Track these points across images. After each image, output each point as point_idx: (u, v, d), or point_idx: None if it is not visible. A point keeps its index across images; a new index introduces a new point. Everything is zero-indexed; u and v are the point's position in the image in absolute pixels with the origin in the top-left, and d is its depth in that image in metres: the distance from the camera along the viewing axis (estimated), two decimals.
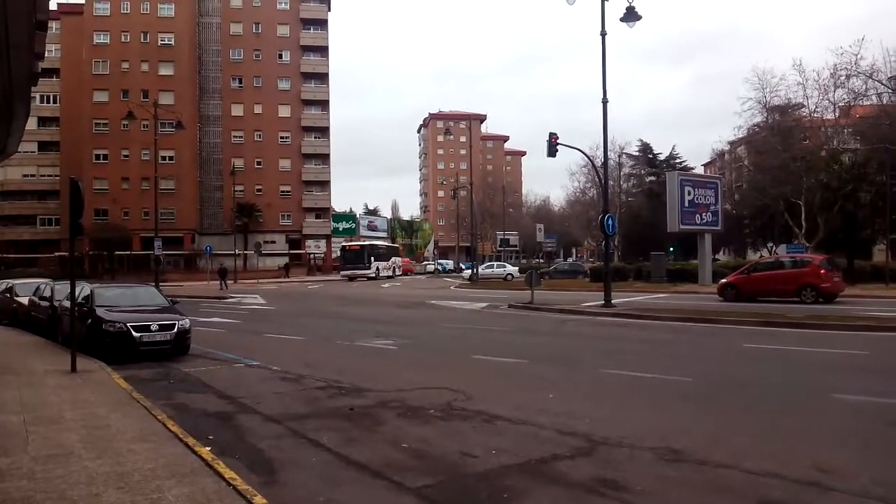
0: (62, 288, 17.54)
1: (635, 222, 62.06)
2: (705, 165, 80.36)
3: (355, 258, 62.33)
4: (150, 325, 14.11)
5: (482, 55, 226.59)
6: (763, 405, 8.82)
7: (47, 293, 19.20)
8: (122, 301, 15.55)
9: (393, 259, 71.37)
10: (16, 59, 7.84)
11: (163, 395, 10.21)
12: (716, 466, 6.16)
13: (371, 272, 61.06)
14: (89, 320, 14.32)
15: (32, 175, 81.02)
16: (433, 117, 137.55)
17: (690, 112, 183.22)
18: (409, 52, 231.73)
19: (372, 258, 62.39)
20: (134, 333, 13.83)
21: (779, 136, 43.54)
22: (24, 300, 21.09)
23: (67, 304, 14.65)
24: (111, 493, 5.50)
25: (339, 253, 67.61)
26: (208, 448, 6.92)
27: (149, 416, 8.45)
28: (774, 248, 51.51)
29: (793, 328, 16.85)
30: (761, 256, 48.79)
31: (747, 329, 17.06)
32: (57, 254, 72.09)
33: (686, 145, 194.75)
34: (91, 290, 15.60)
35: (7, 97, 9.43)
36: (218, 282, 49.60)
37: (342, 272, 62.93)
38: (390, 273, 67.11)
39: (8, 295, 22.95)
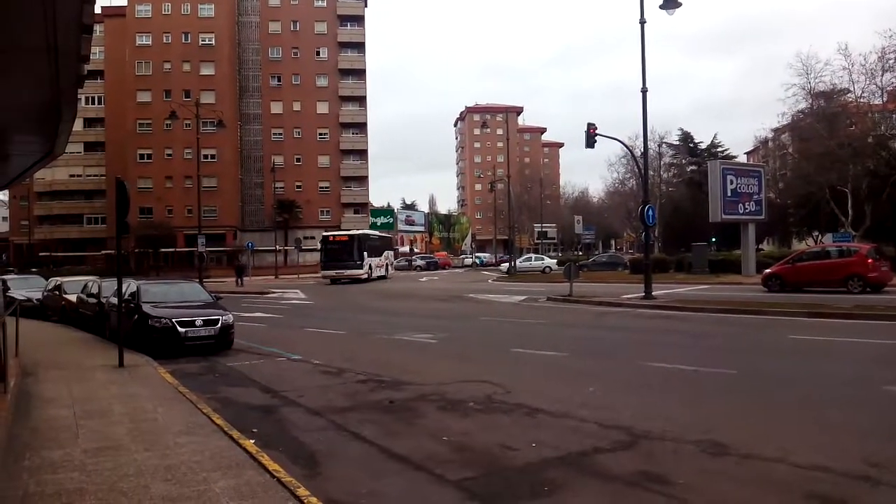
0: (109, 285, 17.95)
1: (676, 213, 61.13)
2: (748, 154, 78.65)
3: (340, 253, 46.82)
4: (194, 321, 14.38)
5: (526, 50, 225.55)
6: (810, 398, 8.64)
7: (95, 290, 19.65)
8: (168, 297, 15.88)
9: (386, 253, 56.33)
10: (63, 63, 8.03)
11: (208, 389, 10.43)
12: (762, 460, 6.06)
13: (362, 271, 46.34)
14: (136, 316, 14.65)
15: (79, 175, 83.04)
16: (469, 110, 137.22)
17: (739, 102, 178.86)
18: (448, 48, 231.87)
19: (364, 253, 47.31)
20: (179, 329, 14.12)
21: (824, 123, 42.46)
22: (73, 297, 21.59)
23: (114, 300, 15.00)
24: (159, 485, 5.65)
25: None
26: (252, 441, 7.05)
27: (195, 409, 8.63)
28: (820, 237, 50.29)
29: (840, 319, 16.46)
30: (807, 246, 47.66)
31: (793, 320, 16.71)
32: (104, 252, 73.84)
33: (733, 135, 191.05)
34: (137, 287, 15.95)
35: (55, 100, 9.66)
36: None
37: (323, 271, 48.07)
38: (383, 272, 52.51)
39: (57, 292, 23.52)
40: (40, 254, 77.21)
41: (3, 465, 6.12)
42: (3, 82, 8.54)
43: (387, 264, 54.69)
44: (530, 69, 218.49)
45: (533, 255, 65.58)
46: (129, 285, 15.98)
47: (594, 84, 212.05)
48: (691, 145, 68.50)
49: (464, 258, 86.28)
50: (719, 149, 66.75)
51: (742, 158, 70.74)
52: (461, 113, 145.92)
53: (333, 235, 49.50)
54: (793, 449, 6.30)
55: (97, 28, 73.72)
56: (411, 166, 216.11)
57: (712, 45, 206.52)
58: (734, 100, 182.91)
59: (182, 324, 14.20)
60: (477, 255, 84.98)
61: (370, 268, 47.82)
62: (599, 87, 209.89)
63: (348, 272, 45.89)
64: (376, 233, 60.00)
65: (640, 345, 14.00)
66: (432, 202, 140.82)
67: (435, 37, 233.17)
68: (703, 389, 9.39)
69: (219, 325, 14.49)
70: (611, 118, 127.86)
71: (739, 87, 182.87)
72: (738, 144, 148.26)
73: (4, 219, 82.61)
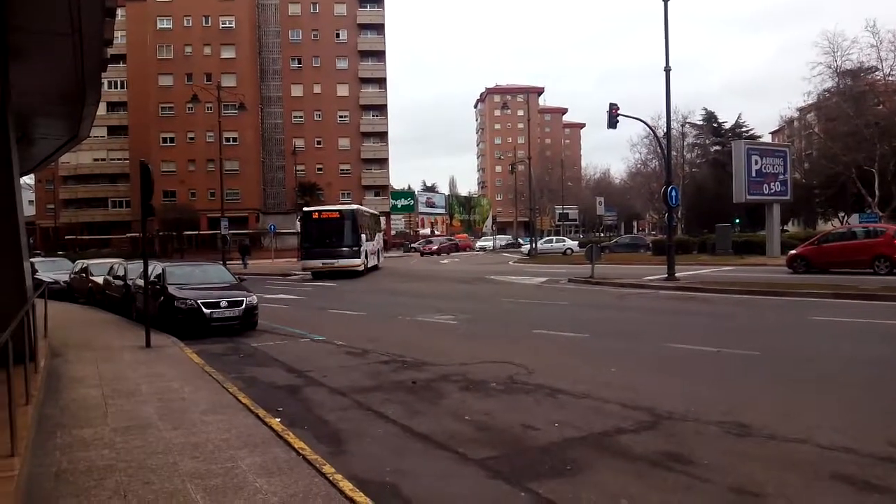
0: (135, 267, 18.22)
1: (699, 193, 60.47)
2: (773, 133, 77.51)
3: (328, 234, 33.60)
4: (219, 302, 14.56)
5: (553, 30, 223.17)
6: (835, 379, 8.58)
7: (121, 272, 19.94)
8: (193, 279, 16.07)
9: (378, 236, 43.87)
10: (88, 47, 8.11)
11: (233, 369, 10.57)
12: (785, 441, 6.04)
13: (359, 262, 33.78)
14: (162, 298, 14.86)
15: (103, 159, 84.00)
16: (490, 92, 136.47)
17: (771, 81, 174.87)
18: (470, 29, 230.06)
19: (362, 236, 34.84)
20: (204, 310, 14.31)
21: (850, 102, 41.72)
22: (99, 279, 21.93)
23: (140, 282, 15.25)
24: (187, 462, 5.76)
25: (315, 226, 34.70)
26: (278, 419, 7.15)
27: (221, 388, 8.76)
28: (846, 217, 49.61)
29: (865, 300, 16.25)
30: (832, 227, 47.02)
31: (817, 301, 16.53)
32: (129, 234, 74.78)
33: (762, 115, 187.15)
34: (163, 269, 16.15)
35: (80, 84, 9.78)
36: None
37: (303, 262, 35.04)
38: (376, 260, 39.80)
39: (84, 275, 23.89)
40: (66, 237, 78.35)
41: (36, 443, 6.26)
42: (30, 67, 8.65)
43: (378, 250, 41.78)
44: (557, 49, 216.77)
45: (554, 237, 65.35)
46: (155, 267, 16.18)
47: (622, 64, 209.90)
48: (715, 125, 67.63)
49: (484, 240, 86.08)
50: (743, 129, 65.91)
51: (767, 139, 69.76)
52: (481, 94, 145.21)
53: (319, 211, 35.70)
54: (816, 430, 6.27)
55: (119, 12, 74.02)
56: (431, 149, 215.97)
57: (750, 23, 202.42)
58: (766, 78, 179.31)
59: (207, 305, 14.40)
60: (497, 236, 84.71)
61: (366, 255, 35.41)
62: (628, 67, 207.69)
63: (341, 262, 32.92)
64: (368, 209, 44.86)
65: (662, 326, 13.95)
66: (452, 184, 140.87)
67: (457, 18, 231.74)
68: (726, 370, 9.35)
69: (243, 306, 14.65)
70: (633, 98, 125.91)
71: (773, 66, 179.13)
72: (764, 125, 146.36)
73: (31, 202, 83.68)
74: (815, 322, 13.44)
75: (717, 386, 8.40)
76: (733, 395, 7.84)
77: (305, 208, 37.51)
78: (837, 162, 42.26)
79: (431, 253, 65.27)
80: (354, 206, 36.99)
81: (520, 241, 75.55)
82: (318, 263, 33.39)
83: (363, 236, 35.05)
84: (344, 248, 33.22)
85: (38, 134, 13.77)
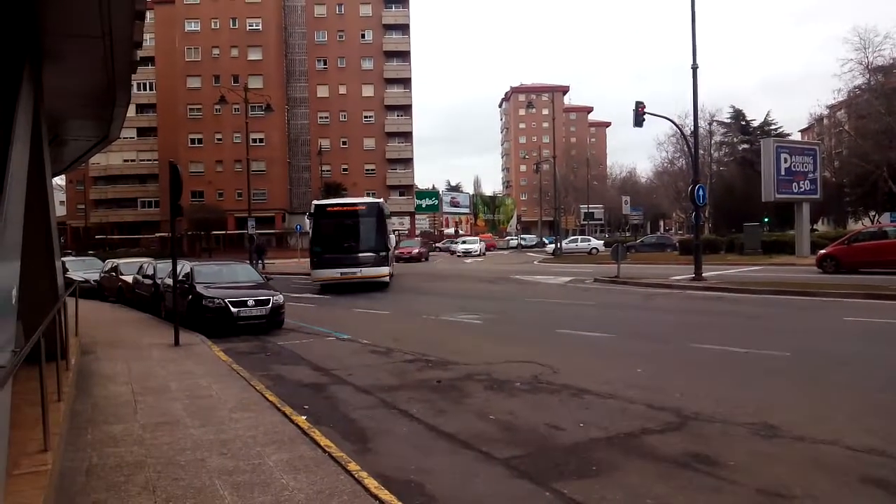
0: (164, 266, 18.45)
1: (727, 192, 59.76)
2: (802, 131, 76.33)
3: (349, 236, 25.66)
4: (246, 301, 14.71)
5: (582, 29, 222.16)
6: (865, 381, 8.43)
7: (150, 271, 20.22)
8: (221, 278, 16.26)
9: (392, 237, 32.10)
10: (118, 49, 8.24)
11: (260, 367, 10.68)
12: (814, 443, 5.96)
13: (386, 271, 26.14)
14: (190, 297, 15.05)
15: (132, 160, 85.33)
16: (515, 91, 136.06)
17: (811, 77, 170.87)
18: (497, 28, 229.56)
19: (389, 237, 28.21)
20: (232, 309, 14.47)
21: (882, 99, 41.02)
22: (129, 278, 22.24)
23: (169, 281, 15.44)
24: (215, 459, 5.83)
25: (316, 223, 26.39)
26: (304, 417, 7.21)
27: (248, 386, 8.85)
28: (877, 216, 48.76)
29: None
30: (863, 226, 46.21)
31: (848, 302, 16.26)
32: (158, 234, 75.80)
33: (793, 113, 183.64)
34: (191, 268, 16.36)
35: (110, 85, 9.93)
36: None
37: (315, 271, 25.81)
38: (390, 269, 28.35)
39: (114, 274, 24.24)
40: (96, 236, 79.65)
41: (67, 439, 6.38)
42: (62, 69, 8.81)
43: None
44: (584, 48, 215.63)
45: (579, 237, 65.01)
46: (184, 267, 16.39)
47: (651, 63, 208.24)
48: (743, 123, 66.79)
49: (508, 240, 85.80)
50: (772, 126, 65.05)
51: (796, 137, 68.78)
52: (506, 93, 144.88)
53: (337, 205, 27.54)
54: (846, 432, 6.17)
55: (148, 15, 74.98)
56: (458, 149, 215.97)
57: (794, 17, 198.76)
58: (804, 75, 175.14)
59: (234, 304, 14.55)
60: (522, 236, 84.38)
61: (390, 261, 27.61)
62: (657, 65, 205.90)
63: (365, 272, 25.03)
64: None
65: (689, 326, 13.81)
66: (477, 184, 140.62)
67: (483, 17, 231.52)
68: (754, 371, 9.24)
69: (269, 305, 14.79)
70: (666, 96, 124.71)
71: (811, 62, 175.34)
72: (793, 122, 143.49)
73: (62, 203, 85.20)
74: (847, 323, 13.22)
75: (744, 387, 8.30)
76: (761, 396, 7.74)
77: (317, 201, 27.47)
78: (868, 160, 41.57)
79: (410, 258, 49.21)
80: (372, 201, 28.07)
81: (545, 240, 75.18)
82: (333, 273, 24.76)
83: (392, 237, 30.10)
84: (369, 254, 25.12)
85: (70, 135, 14.00)
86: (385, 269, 25.72)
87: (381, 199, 30.33)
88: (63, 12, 7.32)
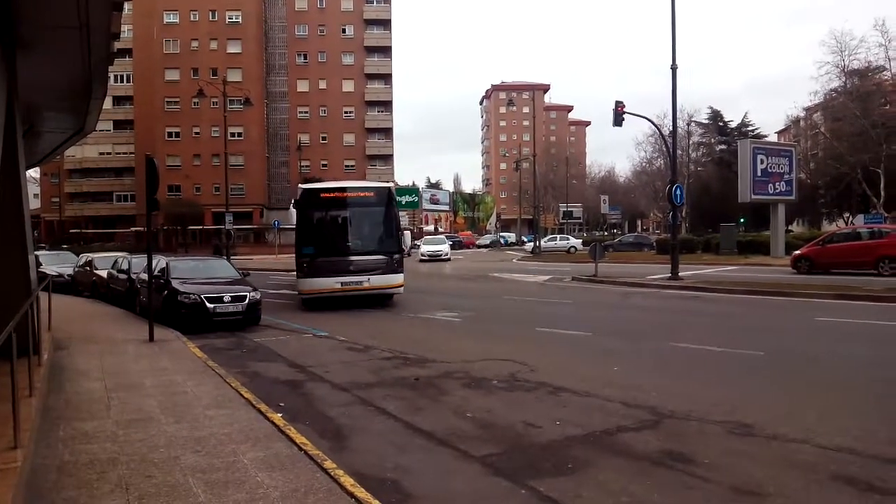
0: (139, 261, 18.26)
1: (704, 193, 60.37)
2: (779, 133, 77.27)
3: (356, 228, 19.08)
4: (223, 297, 14.60)
5: (564, 29, 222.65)
6: (838, 380, 8.56)
7: (125, 266, 19.98)
8: (197, 274, 16.12)
9: (406, 234, 27.89)
10: (94, 40, 8.13)
11: (236, 364, 10.60)
12: (787, 441, 6.04)
13: (400, 279, 19.07)
14: (165, 292, 14.90)
15: (108, 153, 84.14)
16: (496, 89, 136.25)
17: (794, 79, 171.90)
18: (478, 25, 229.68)
19: (406, 234, 26.18)
20: (208, 305, 14.35)
21: (857, 102, 41.64)
22: (104, 273, 21.97)
23: (144, 276, 15.28)
24: (189, 457, 5.77)
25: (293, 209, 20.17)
26: (280, 414, 7.17)
27: (223, 383, 8.78)
28: (851, 218, 49.45)
29: (870, 302, 16.20)
30: (837, 227, 46.91)
31: (821, 302, 16.49)
32: (133, 228, 74.92)
33: (772, 114, 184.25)
34: (167, 263, 16.21)
35: (86, 77, 9.79)
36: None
37: (304, 280, 18.55)
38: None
39: (88, 268, 23.93)
40: (70, 230, 78.66)
41: (39, 436, 6.28)
42: (38, 60, 8.67)
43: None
44: (565, 47, 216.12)
45: (558, 235, 65.27)
46: (159, 262, 16.23)
47: (632, 63, 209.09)
48: (721, 124, 67.48)
49: (487, 238, 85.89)
50: (749, 128, 65.74)
51: (773, 138, 69.58)
52: (487, 91, 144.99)
53: (335, 189, 20.26)
54: (819, 430, 6.26)
55: (126, 6, 73.95)
56: (437, 146, 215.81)
57: (780, 20, 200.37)
58: (788, 78, 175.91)
59: (211, 300, 14.43)
60: (501, 234, 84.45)
61: (400, 263, 19.72)
62: (638, 66, 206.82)
63: (374, 281, 18.67)
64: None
65: (665, 325, 13.93)
66: (457, 181, 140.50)
67: (465, 14, 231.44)
68: (728, 370, 9.34)
69: (246, 301, 14.69)
70: (645, 96, 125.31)
71: (795, 64, 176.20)
72: (770, 124, 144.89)
73: (35, 196, 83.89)
74: (819, 323, 13.40)
75: (719, 385, 8.39)
76: (736, 394, 7.83)
77: (306, 185, 21.32)
78: (843, 162, 42.20)
79: None
80: (389, 183, 23.14)
81: (523, 238, 75.39)
82: (331, 284, 18.35)
83: (407, 234, 24.55)
84: (380, 256, 18.86)
85: (45, 127, 13.80)
86: (399, 278, 19.17)
87: (391, 184, 23.73)
88: (38, 2, 7.20)
